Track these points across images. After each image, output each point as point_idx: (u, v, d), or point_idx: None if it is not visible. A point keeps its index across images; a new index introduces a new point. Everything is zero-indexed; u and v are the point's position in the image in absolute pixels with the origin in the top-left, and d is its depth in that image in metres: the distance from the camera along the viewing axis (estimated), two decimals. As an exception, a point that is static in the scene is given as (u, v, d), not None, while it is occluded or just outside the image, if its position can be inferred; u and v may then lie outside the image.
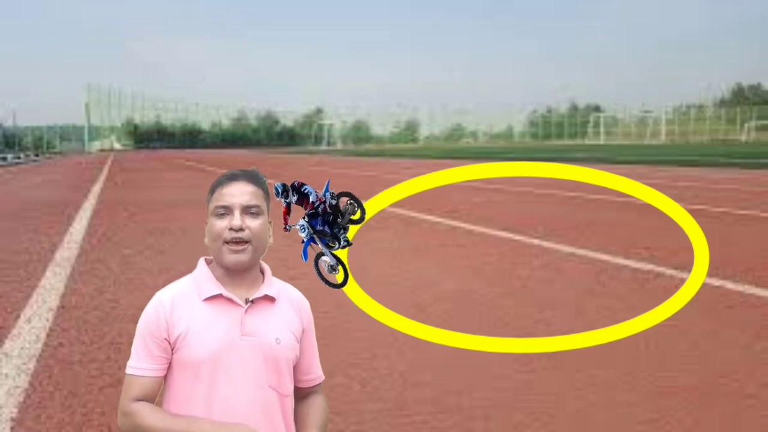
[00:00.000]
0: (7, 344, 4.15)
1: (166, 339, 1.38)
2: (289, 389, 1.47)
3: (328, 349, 4.01)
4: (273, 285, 1.47)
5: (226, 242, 1.38)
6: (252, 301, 1.42)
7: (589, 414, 3.03)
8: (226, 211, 1.40)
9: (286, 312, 1.47)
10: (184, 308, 1.38)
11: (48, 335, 4.32)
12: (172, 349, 1.38)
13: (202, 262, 1.47)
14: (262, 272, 1.49)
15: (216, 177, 1.52)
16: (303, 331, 1.52)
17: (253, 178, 1.45)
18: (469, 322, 4.54)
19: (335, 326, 4.38)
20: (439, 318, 4.63)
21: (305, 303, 1.55)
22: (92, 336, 4.29)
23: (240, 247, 1.38)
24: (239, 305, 1.40)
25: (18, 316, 4.82)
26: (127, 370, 1.40)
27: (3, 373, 3.63)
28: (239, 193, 1.41)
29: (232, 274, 1.42)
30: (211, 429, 1.33)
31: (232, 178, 1.44)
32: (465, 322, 4.51)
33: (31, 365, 3.75)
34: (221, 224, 1.39)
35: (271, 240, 1.47)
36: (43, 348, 4.05)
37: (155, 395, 1.41)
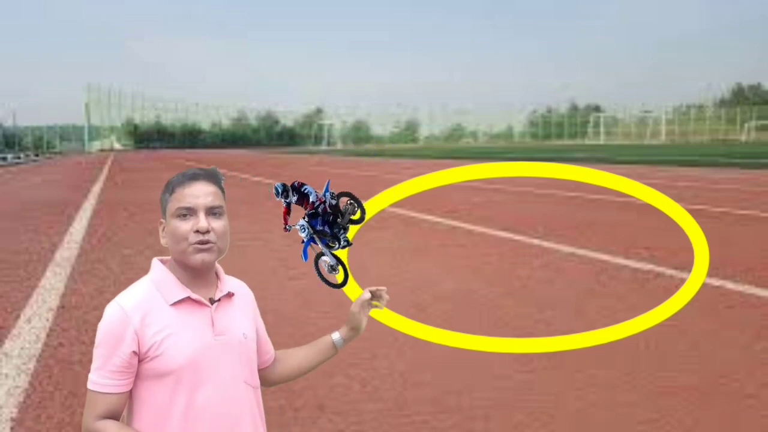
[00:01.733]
0: (7, 344, 4.15)
1: (134, 352, 1.31)
2: (258, 381, 1.48)
3: (328, 349, 4.02)
4: (228, 281, 1.47)
5: (192, 244, 1.34)
6: (218, 300, 1.41)
7: (589, 414, 3.03)
8: (190, 212, 1.35)
9: (242, 305, 1.48)
10: (155, 317, 1.32)
11: (48, 335, 4.32)
12: (140, 360, 1.32)
13: (158, 264, 1.41)
14: (215, 270, 1.47)
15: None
16: (255, 319, 1.52)
17: (213, 177, 1.41)
18: (469, 322, 4.54)
19: (335, 326, 4.38)
20: (439, 318, 4.63)
21: (249, 290, 1.54)
22: (92, 336, 4.26)
23: (206, 246, 1.35)
24: (206, 306, 1.38)
25: (18, 316, 4.82)
26: (90, 386, 1.32)
27: (3, 373, 3.63)
28: (203, 193, 1.36)
29: (195, 275, 1.39)
30: None
31: (193, 177, 1.39)
32: (465, 322, 4.51)
33: (31, 365, 3.75)
34: (185, 226, 1.34)
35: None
36: (43, 348, 4.06)
37: (121, 411, 1.34)
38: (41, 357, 3.89)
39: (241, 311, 1.46)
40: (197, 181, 1.38)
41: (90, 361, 1.37)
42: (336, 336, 1.58)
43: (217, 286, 1.43)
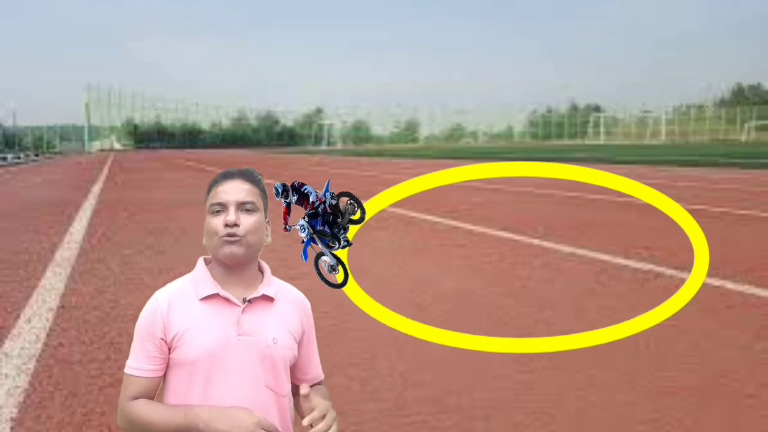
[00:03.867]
0: (7, 344, 4.15)
1: (162, 339, 1.38)
2: (286, 389, 1.46)
3: (328, 349, 4.01)
4: (272, 284, 1.47)
5: (221, 238, 1.39)
6: (249, 301, 1.42)
7: (589, 414, 3.03)
8: (222, 208, 1.41)
9: (285, 312, 1.47)
10: (181, 308, 1.39)
11: (48, 335, 4.32)
12: (170, 349, 1.39)
13: (201, 261, 1.48)
14: (262, 272, 1.49)
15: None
16: (303, 332, 1.51)
17: (248, 176, 1.46)
18: (469, 322, 4.54)
19: (335, 326, 4.39)
20: (439, 318, 4.63)
21: (306, 303, 1.54)
22: (92, 336, 4.29)
23: (234, 239, 1.39)
24: (236, 305, 1.40)
25: (18, 316, 4.82)
26: (126, 370, 1.42)
27: (3, 373, 3.63)
28: (234, 190, 1.42)
29: (230, 272, 1.42)
30: (208, 415, 1.33)
31: (227, 176, 1.45)
32: (465, 322, 4.51)
33: (31, 365, 3.75)
34: (216, 221, 1.40)
35: (269, 239, 1.47)
36: (43, 348, 4.05)
37: (153, 395, 1.41)
38: (41, 357, 3.89)
39: (281, 317, 1.45)
40: (231, 179, 1.45)
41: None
42: None
43: (258, 287, 1.45)
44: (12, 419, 3.02)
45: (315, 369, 1.59)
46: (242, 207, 1.41)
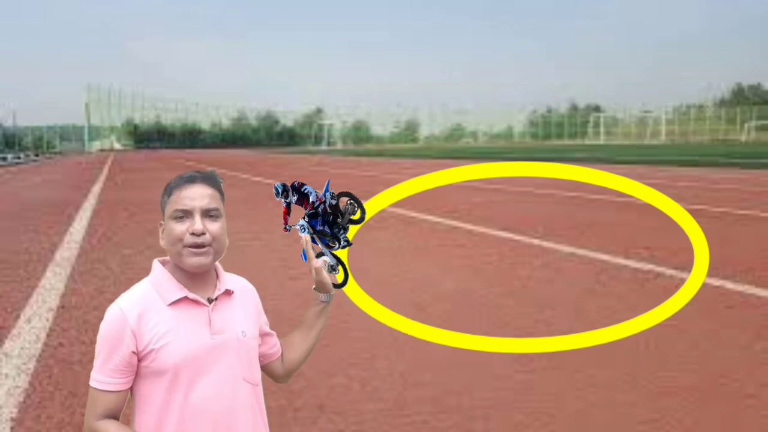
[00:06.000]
0: (7, 344, 4.15)
1: (133, 352, 1.34)
2: (259, 378, 1.48)
3: (328, 349, 4.01)
4: (226, 280, 1.47)
5: (186, 246, 1.36)
6: (215, 299, 1.42)
7: (589, 414, 3.03)
8: (186, 214, 1.37)
9: (243, 302, 1.48)
10: (151, 316, 1.35)
11: (48, 335, 4.33)
12: (140, 360, 1.35)
13: (157, 264, 1.43)
14: (215, 269, 1.48)
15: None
16: (258, 316, 1.53)
17: (210, 180, 1.42)
18: (469, 322, 4.54)
19: (335, 326, 4.38)
20: (439, 318, 4.63)
21: (254, 289, 1.55)
22: (92, 336, 4.28)
23: (201, 250, 1.36)
24: (204, 305, 1.40)
25: (18, 316, 4.82)
26: (91, 383, 1.36)
27: (3, 373, 3.63)
28: (199, 196, 1.38)
29: (193, 276, 1.40)
30: None
31: (190, 180, 1.41)
32: (465, 322, 4.51)
33: (31, 365, 3.75)
34: (181, 228, 1.36)
35: (227, 241, 1.45)
36: (43, 348, 4.06)
37: (121, 409, 1.37)
38: (41, 357, 3.89)
39: (242, 308, 1.47)
40: (194, 183, 1.40)
41: (90, 360, 1.38)
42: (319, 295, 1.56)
43: (216, 285, 1.44)
44: (12, 419, 3.02)
45: (277, 340, 1.59)
46: (207, 214, 1.37)
